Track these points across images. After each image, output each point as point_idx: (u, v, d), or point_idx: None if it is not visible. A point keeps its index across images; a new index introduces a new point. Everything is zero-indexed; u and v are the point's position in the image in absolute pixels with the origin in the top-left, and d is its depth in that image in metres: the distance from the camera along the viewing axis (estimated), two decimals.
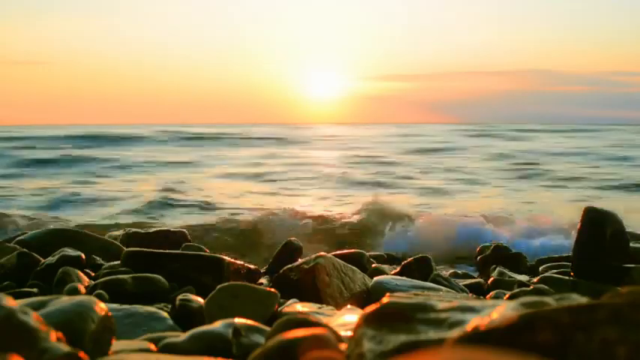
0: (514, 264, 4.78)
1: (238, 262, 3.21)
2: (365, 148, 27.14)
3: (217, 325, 1.52)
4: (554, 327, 0.76)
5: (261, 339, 1.45)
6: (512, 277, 4.07)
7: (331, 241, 6.88)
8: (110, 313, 1.34)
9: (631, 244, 3.72)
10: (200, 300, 2.23)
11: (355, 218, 8.24)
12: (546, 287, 3.34)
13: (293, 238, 4.13)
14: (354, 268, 3.18)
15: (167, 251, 3.14)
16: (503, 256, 4.93)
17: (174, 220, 8.57)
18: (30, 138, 30.23)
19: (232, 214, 8.64)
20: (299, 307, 2.29)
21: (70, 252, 3.33)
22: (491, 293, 3.43)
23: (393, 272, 3.94)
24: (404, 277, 3.36)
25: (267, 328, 1.48)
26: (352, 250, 4.22)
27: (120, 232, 5.38)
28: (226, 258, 3.11)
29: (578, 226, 3.57)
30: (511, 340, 0.78)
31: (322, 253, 3.10)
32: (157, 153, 23.22)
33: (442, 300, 1.09)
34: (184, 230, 5.01)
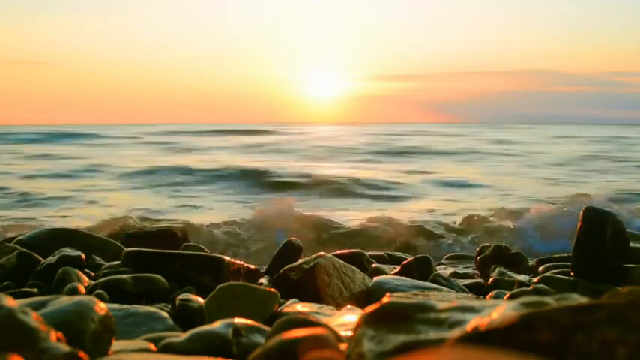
0: (514, 264, 4.78)
1: (238, 262, 3.21)
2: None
3: (217, 324, 1.51)
4: (553, 327, 0.76)
5: (261, 339, 1.45)
6: (512, 277, 4.07)
7: None
8: (110, 313, 1.34)
9: (631, 244, 3.71)
10: (200, 300, 2.23)
11: None
12: (546, 287, 3.34)
13: (293, 238, 4.13)
14: (354, 268, 3.18)
15: (167, 251, 3.14)
16: (503, 255, 4.92)
17: None
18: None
19: None
20: (299, 307, 2.29)
21: (70, 252, 3.33)
22: (491, 293, 3.43)
23: (393, 272, 3.94)
24: (404, 277, 3.36)
25: (267, 328, 1.48)
26: (352, 250, 4.21)
27: (120, 232, 5.39)
28: (226, 258, 3.11)
29: (578, 225, 3.57)
30: (511, 340, 0.78)
31: (322, 253, 3.09)
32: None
33: (442, 300, 1.09)
34: (184, 230, 5.02)
